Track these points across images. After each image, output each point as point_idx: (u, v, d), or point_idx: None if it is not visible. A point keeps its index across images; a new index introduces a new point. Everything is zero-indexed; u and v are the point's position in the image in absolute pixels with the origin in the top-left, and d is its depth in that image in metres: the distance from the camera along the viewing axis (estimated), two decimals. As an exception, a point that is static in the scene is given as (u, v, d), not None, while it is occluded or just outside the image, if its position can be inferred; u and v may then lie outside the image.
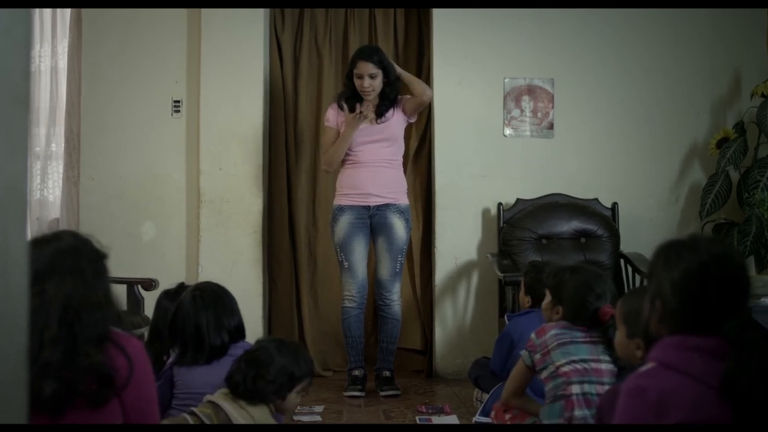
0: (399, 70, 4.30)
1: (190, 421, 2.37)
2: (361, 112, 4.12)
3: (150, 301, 3.60)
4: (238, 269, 4.73)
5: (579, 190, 4.72)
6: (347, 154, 4.24)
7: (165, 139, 4.85)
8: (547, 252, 4.45)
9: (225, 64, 4.79)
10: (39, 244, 1.85)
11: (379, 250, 4.24)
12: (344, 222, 4.22)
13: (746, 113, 4.71)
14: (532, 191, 4.70)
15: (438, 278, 4.76)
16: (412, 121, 4.47)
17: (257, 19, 4.83)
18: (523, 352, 2.67)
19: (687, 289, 1.62)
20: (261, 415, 2.38)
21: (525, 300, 3.34)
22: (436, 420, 3.64)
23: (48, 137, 4.97)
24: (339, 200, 4.27)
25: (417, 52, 4.99)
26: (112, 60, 4.85)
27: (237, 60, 4.79)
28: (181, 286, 3.00)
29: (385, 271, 4.23)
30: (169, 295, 2.99)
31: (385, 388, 4.18)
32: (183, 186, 4.85)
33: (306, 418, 3.68)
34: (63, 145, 4.87)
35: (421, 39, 5.01)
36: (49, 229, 4.79)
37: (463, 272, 4.76)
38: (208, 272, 4.60)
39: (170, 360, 2.74)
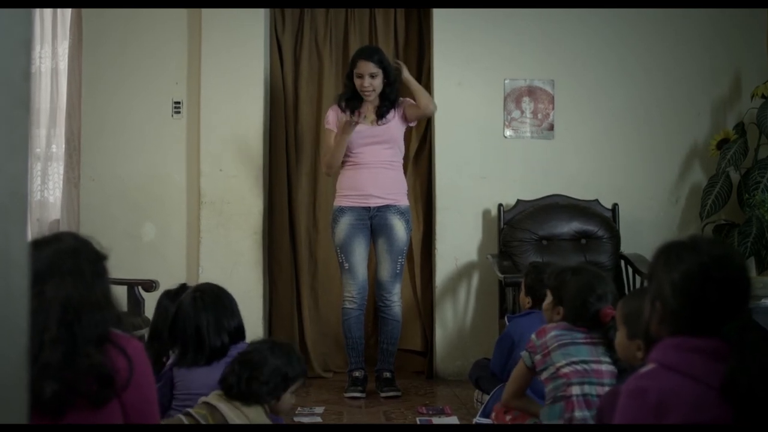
0: (407, 74, 4.28)
1: (185, 421, 2.37)
2: (354, 120, 4.11)
3: (150, 302, 3.61)
4: (239, 270, 4.73)
5: (579, 191, 4.72)
6: (347, 156, 4.24)
7: (165, 140, 4.85)
8: (548, 253, 4.45)
9: (225, 64, 4.79)
10: (39, 245, 1.85)
11: (380, 251, 4.24)
12: (344, 223, 4.22)
13: (746, 114, 4.71)
14: (532, 192, 4.70)
15: (438, 279, 4.76)
16: (412, 125, 4.48)
17: (257, 19, 4.83)
18: (524, 353, 2.67)
19: (687, 290, 1.62)
20: (256, 415, 2.39)
21: (525, 301, 3.34)
22: (437, 421, 3.64)
23: (48, 138, 4.97)
24: (339, 201, 4.27)
25: (417, 53, 5.00)
26: (112, 61, 4.85)
27: (237, 61, 4.79)
28: (183, 287, 3.00)
29: (385, 272, 4.23)
30: (170, 296, 2.99)
31: (385, 390, 4.18)
32: (183, 187, 4.85)
33: (306, 419, 3.68)
34: (63, 146, 4.87)
35: (422, 40, 5.01)
36: (50, 230, 4.79)
37: (463, 273, 4.76)
38: (209, 273, 4.60)
39: (170, 361, 2.74)
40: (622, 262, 4.51)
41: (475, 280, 4.76)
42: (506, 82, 4.83)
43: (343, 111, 4.26)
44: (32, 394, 1.14)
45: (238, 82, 4.80)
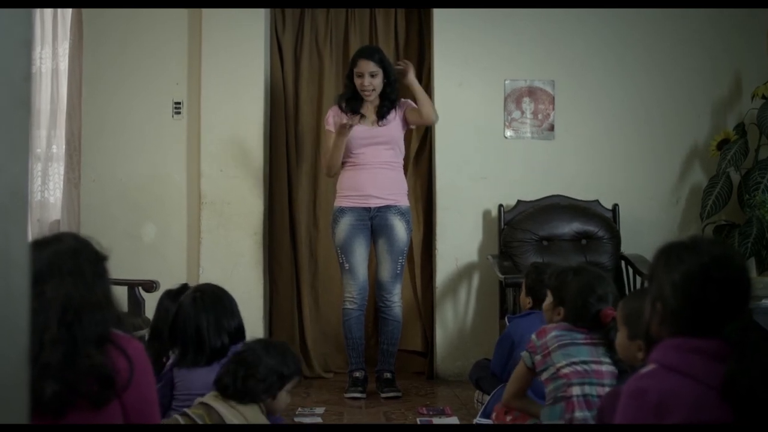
0: (413, 77, 4.23)
1: (182, 422, 2.37)
2: (348, 124, 4.11)
3: (151, 302, 3.61)
4: (239, 271, 4.73)
5: (580, 191, 4.72)
6: (348, 156, 4.24)
7: (166, 140, 4.85)
8: (548, 254, 4.45)
9: (225, 64, 4.79)
10: (39, 245, 1.85)
11: (380, 251, 4.24)
12: (345, 224, 4.22)
13: (747, 115, 4.71)
14: (532, 193, 4.70)
15: (439, 280, 4.76)
16: (412, 127, 4.48)
17: (258, 19, 4.83)
18: (524, 354, 2.67)
19: (688, 290, 1.62)
20: (252, 414, 2.39)
21: (526, 301, 3.33)
22: (437, 422, 3.64)
23: (49, 139, 4.97)
24: (339, 202, 4.27)
25: (418, 54, 5.00)
26: (112, 61, 4.85)
27: (237, 61, 4.79)
28: (184, 287, 3.00)
29: (385, 272, 4.23)
30: (171, 295, 2.99)
31: (385, 390, 4.18)
32: (184, 187, 4.85)
33: (307, 420, 3.68)
34: (64, 146, 4.87)
35: (422, 41, 5.01)
36: (50, 230, 4.79)
37: (463, 274, 4.76)
38: (209, 274, 4.60)
39: (170, 361, 2.74)
40: (623, 263, 4.51)
41: (475, 280, 4.76)
42: (507, 82, 4.83)
43: (344, 111, 4.26)
44: (33, 394, 1.14)
45: (238, 83, 4.80)
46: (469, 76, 4.81)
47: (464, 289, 4.76)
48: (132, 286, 4.14)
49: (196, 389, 2.57)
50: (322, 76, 4.98)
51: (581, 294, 2.64)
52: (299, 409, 3.86)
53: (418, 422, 3.65)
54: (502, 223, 4.64)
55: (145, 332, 3.67)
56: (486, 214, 4.77)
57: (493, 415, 2.82)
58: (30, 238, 1.32)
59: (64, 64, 4.94)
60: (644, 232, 4.67)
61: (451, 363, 4.70)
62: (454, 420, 3.67)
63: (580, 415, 2.49)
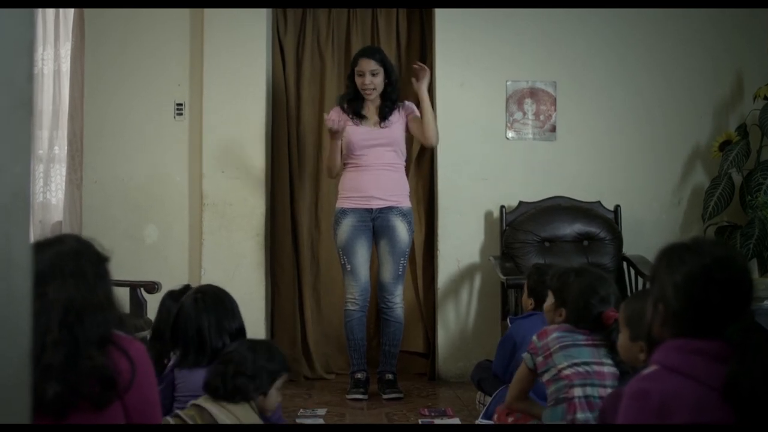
0: (424, 91, 4.14)
1: (172, 422, 2.38)
2: (334, 129, 4.10)
3: (153, 304, 3.60)
4: (241, 272, 4.73)
5: (581, 192, 4.71)
6: (350, 158, 4.25)
7: (167, 141, 4.85)
8: (550, 255, 4.45)
9: (227, 65, 4.79)
10: (41, 247, 1.86)
11: (382, 252, 4.24)
12: (347, 225, 4.22)
13: (749, 116, 4.70)
14: (534, 194, 4.70)
15: (440, 281, 4.76)
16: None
17: (259, 20, 4.83)
18: (525, 355, 2.67)
19: (690, 292, 1.62)
20: (244, 413, 2.39)
21: (528, 302, 3.33)
22: (439, 423, 3.64)
23: (51, 140, 4.97)
24: (341, 203, 4.27)
25: (419, 55, 4.99)
26: (114, 62, 4.86)
27: (239, 61, 4.79)
28: (186, 287, 3.00)
29: (387, 273, 4.23)
30: (173, 296, 2.99)
31: (387, 391, 4.18)
32: (186, 189, 4.85)
33: (309, 421, 3.68)
34: (66, 148, 4.88)
35: (424, 41, 5.01)
36: (52, 232, 4.80)
37: (465, 275, 4.76)
38: (211, 275, 4.59)
39: (171, 362, 2.74)
40: (625, 264, 4.51)
41: (477, 281, 4.76)
42: (508, 83, 4.83)
43: (345, 112, 4.26)
44: (35, 395, 1.14)
45: (240, 83, 4.80)
46: (471, 76, 4.81)
47: (466, 290, 4.75)
48: (134, 287, 4.14)
49: (197, 390, 2.56)
50: (324, 76, 4.98)
51: (583, 295, 2.63)
52: (301, 410, 3.86)
53: (420, 423, 3.65)
54: (504, 224, 4.64)
55: (147, 333, 3.67)
56: (488, 215, 4.77)
57: (495, 417, 2.81)
58: (32, 239, 1.32)
59: (66, 66, 4.94)
60: (646, 234, 4.67)
61: (453, 364, 4.70)
62: (455, 421, 3.66)
63: (582, 416, 2.48)
